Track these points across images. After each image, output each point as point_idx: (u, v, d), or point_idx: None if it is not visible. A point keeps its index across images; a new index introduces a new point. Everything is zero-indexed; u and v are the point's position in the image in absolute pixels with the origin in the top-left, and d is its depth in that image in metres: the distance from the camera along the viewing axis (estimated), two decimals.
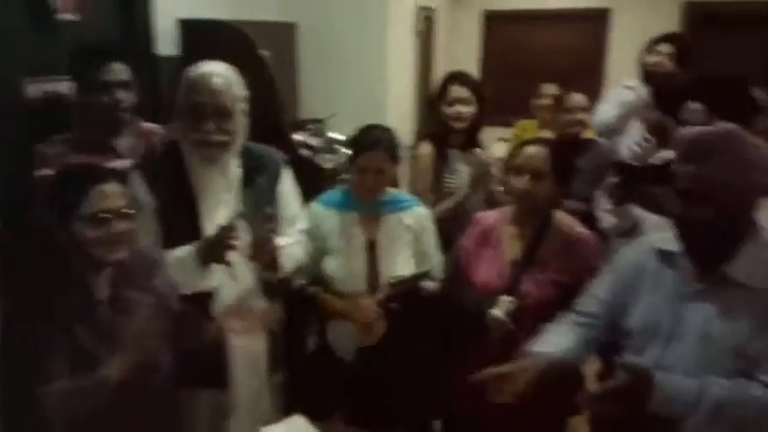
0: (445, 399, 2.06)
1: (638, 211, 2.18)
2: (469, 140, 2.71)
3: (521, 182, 1.89)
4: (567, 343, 1.64)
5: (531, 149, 1.91)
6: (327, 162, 2.82)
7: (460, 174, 2.65)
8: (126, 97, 2.09)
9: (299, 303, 2.10)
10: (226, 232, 1.70)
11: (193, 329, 1.69)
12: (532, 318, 1.82)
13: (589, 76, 5.16)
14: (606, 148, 3.02)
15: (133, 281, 1.60)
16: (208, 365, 1.80)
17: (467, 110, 2.61)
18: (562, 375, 1.84)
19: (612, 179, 2.11)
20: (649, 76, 3.31)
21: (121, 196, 1.51)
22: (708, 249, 1.43)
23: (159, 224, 1.79)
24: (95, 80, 2.04)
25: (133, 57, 2.20)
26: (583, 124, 2.96)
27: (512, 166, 1.95)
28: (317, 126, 3.00)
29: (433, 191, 2.64)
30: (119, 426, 1.46)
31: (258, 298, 1.95)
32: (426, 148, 2.67)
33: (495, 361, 1.84)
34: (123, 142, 2.15)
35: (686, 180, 1.39)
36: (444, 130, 2.67)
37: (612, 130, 3.25)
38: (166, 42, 2.66)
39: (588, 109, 2.95)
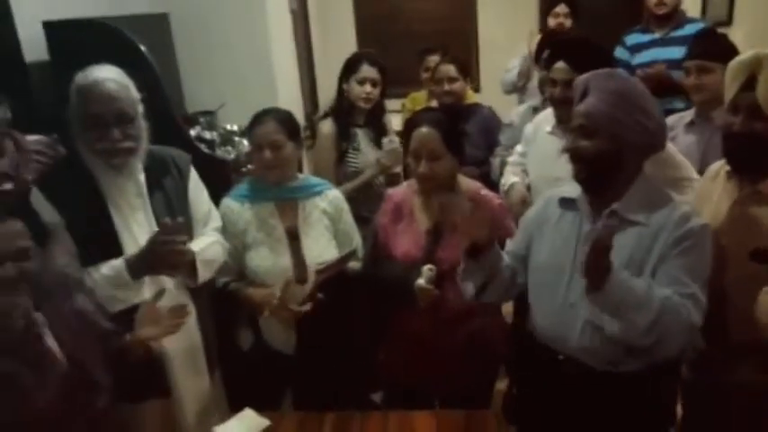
0: (383, 371, 2.14)
1: None
2: (373, 119, 2.76)
3: (420, 166, 1.95)
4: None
5: (423, 132, 1.94)
6: (227, 155, 2.76)
7: (365, 153, 2.69)
8: None
9: (224, 301, 2.08)
10: (165, 241, 1.68)
11: (125, 346, 1.64)
12: (454, 280, 1.93)
13: (464, 41, 5.36)
14: (489, 111, 3.21)
15: (53, 303, 1.53)
16: (145, 376, 1.76)
17: (376, 90, 2.66)
18: (488, 325, 2.02)
19: None
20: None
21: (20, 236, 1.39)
22: (598, 187, 1.60)
23: (73, 240, 1.70)
24: None
25: None
26: (454, 94, 3.03)
27: (408, 149, 2.00)
28: (208, 119, 2.93)
29: (337, 169, 2.68)
30: None
31: (187, 304, 1.92)
32: (329, 127, 2.69)
33: (427, 327, 1.98)
34: (5, 163, 2.00)
35: (576, 118, 1.58)
36: (350, 108, 2.69)
37: (517, 87, 3.63)
38: (31, 48, 2.47)
39: (457, 79, 3.03)
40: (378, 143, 2.72)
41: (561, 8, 3.61)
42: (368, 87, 2.65)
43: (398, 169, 2.75)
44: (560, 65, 2.23)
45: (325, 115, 2.79)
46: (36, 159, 2.04)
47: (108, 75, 1.76)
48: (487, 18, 5.39)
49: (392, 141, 2.64)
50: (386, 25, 5.50)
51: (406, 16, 5.52)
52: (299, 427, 1.84)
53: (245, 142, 2.75)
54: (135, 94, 1.79)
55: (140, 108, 1.81)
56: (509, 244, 1.85)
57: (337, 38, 5.29)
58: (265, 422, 1.82)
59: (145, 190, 1.86)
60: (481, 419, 1.76)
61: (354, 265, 2.18)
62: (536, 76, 3.34)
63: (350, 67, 2.70)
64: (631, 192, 1.59)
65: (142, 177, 1.86)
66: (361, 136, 2.72)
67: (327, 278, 2.03)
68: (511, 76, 3.65)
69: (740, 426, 1.66)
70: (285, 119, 2.09)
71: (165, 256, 1.71)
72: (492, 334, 2.03)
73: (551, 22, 3.63)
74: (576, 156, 1.59)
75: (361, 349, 2.16)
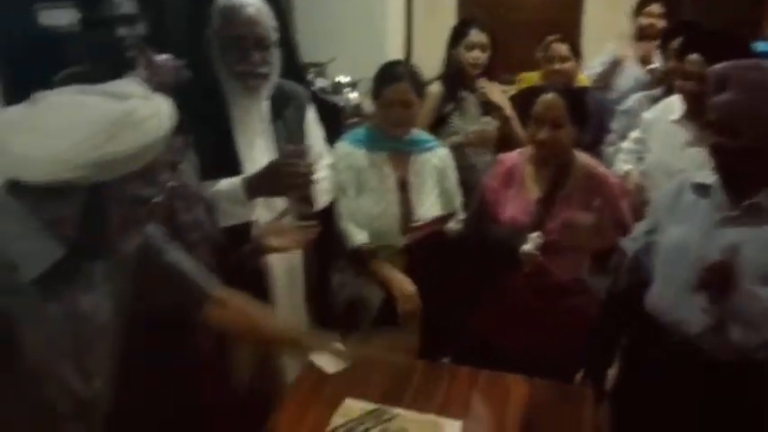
0: (475, 332, 2.11)
1: None
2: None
3: (542, 132, 1.92)
4: None
5: (548, 98, 1.92)
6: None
7: (470, 117, 2.66)
8: (130, 32, 2.01)
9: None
10: (288, 163, 1.71)
11: (237, 259, 1.68)
12: (558, 252, 1.91)
13: (568, 31, 5.18)
14: (599, 96, 3.11)
15: (176, 215, 1.58)
16: (249, 287, 1.80)
17: (484, 55, 2.63)
18: (588, 305, 1.96)
19: None
20: (643, 36, 3.41)
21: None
22: (739, 178, 1.50)
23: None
24: (98, 15, 1.96)
25: None
26: (565, 73, 2.95)
27: (530, 115, 1.96)
28: (317, 69, 2.96)
29: (433, 131, 2.62)
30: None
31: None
32: (437, 88, 2.68)
33: (527, 294, 1.94)
34: (138, 76, 2.07)
35: (712, 111, 1.49)
36: (457, 72, 2.67)
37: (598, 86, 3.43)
38: None
39: (569, 58, 2.96)
40: (484, 109, 2.69)
41: (655, 7, 3.36)
42: (476, 53, 2.62)
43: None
44: (695, 57, 2.13)
45: (436, 78, 2.76)
46: (161, 79, 2.12)
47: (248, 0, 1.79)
48: (593, 10, 5.21)
49: (489, 123, 2.62)
50: (487, 13, 5.39)
51: (508, 4, 5.41)
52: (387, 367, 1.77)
53: (353, 95, 2.76)
54: (273, 21, 1.83)
55: (276, 36, 1.84)
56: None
57: (437, 13, 5.23)
58: None
59: (269, 117, 1.89)
60: (577, 394, 1.71)
61: (454, 227, 2.16)
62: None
63: (459, 33, 2.68)
64: None
65: (266, 105, 1.89)
66: (470, 100, 2.69)
67: (423, 237, 2.02)
68: (591, 75, 3.45)
69: None
70: (415, 76, 2.10)
71: (286, 176, 1.73)
72: (590, 314, 1.97)
73: (643, 21, 3.38)
74: (715, 152, 1.51)
75: (452, 308, 2.14)
